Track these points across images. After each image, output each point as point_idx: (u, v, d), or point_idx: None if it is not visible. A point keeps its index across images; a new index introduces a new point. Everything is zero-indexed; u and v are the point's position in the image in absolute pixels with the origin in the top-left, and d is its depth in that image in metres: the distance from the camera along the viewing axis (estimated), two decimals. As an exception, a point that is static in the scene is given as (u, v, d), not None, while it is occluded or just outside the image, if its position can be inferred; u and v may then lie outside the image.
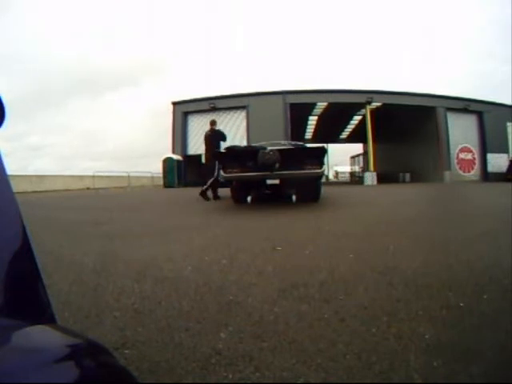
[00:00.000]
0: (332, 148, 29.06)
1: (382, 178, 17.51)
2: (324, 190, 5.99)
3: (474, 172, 18.52)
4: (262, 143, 5.79)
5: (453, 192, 8.68)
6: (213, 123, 6.74)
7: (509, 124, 18.86)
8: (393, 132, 22.07)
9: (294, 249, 2.05)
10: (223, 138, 6.60)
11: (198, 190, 7.18)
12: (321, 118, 22.53)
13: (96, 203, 6.77)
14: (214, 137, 6.51)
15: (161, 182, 16.85)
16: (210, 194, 6.39)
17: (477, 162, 18.60)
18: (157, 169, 17.47)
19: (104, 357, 0.25)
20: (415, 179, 18.91)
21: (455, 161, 18.12)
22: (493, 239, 2.25)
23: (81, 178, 17.64)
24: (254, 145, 5.86)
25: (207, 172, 6.43)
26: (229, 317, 1.09)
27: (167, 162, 16.68)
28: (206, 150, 6.62)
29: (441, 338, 0.92)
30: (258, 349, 0.89)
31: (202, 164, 6.92)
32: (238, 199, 5.21)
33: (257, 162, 4.24)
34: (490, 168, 18.25)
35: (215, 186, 6.43)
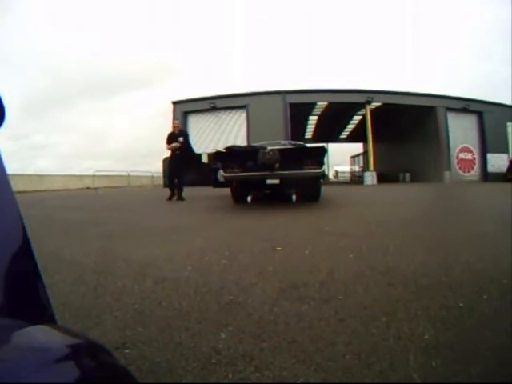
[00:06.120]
0: (332, 148, 28.99)
1: (382, 178, 17.51)
2: (324, 189, 5.99)
3: (474, 172, 18.51)
4: (262, 143, 5.78)
5: (453, 192, 8.68)
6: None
7: (509, 124, 18.84)
8: (393, 132, 22.04)
9: (294, 249, 2.05)
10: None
11: (198, 189, 7.19)
12: (321, 117, 22.52)
13: (94, 201, 6.76)
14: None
15: (161, 182, 16.81)
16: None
17: (477, 162, 18.58)
18: (158, 168, 17.47)
19: (104, 357, 0.25)
20: (415, 179, 18.90)
21: (455, 161, 18.11)
22: (492, 239, 2.25)
23: (81, 177, 17.62)
24: (254, 144, 5.86)
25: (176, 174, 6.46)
26: (229, 317, 1.10)
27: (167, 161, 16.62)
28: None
29: (440, 338, 0.92)
30: (258, 349, 0.89)
31: (203, 163, 6.92)
32: (238, 199, 5.21)
33: (257, 162, 4.24)
34: (490, 168, 18.24)
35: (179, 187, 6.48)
